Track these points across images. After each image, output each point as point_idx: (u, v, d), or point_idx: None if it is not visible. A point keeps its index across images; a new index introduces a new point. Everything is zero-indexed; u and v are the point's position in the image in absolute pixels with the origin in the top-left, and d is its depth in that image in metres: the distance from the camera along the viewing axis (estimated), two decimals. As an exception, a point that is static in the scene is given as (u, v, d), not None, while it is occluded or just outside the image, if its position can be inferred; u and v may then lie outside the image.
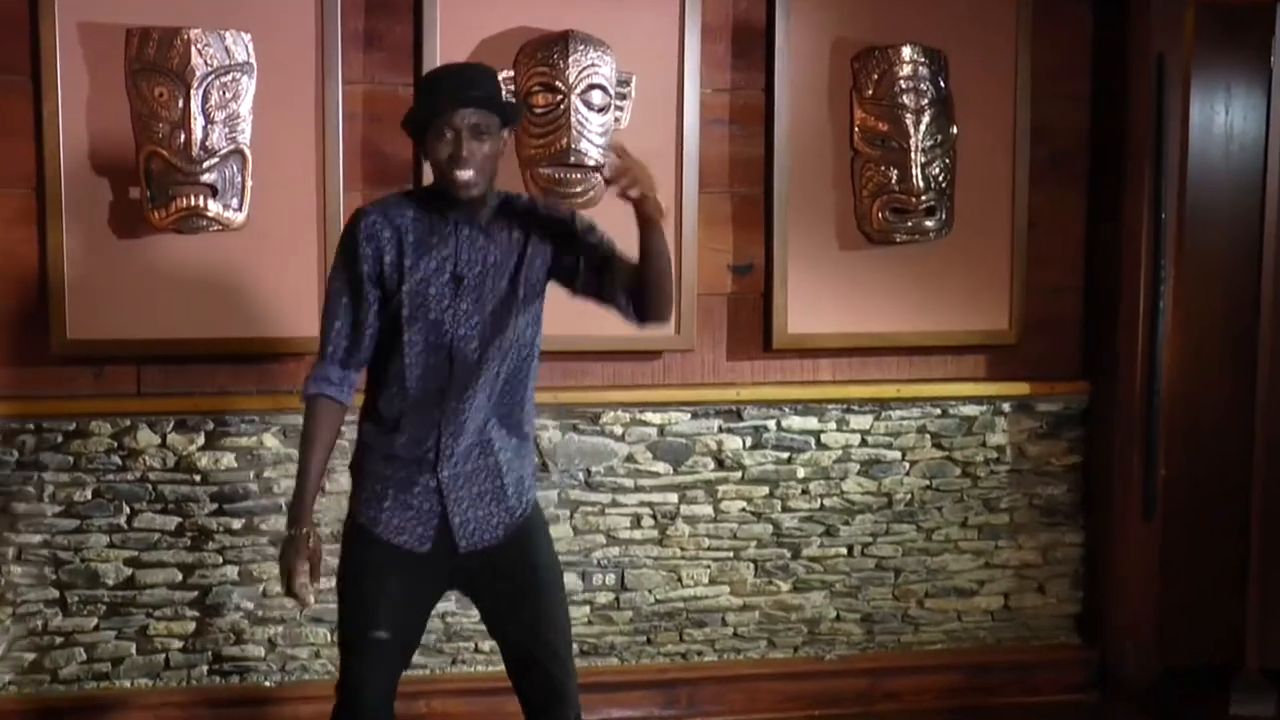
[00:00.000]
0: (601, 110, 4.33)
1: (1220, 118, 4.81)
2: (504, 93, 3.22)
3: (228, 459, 4.27)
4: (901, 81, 4.50)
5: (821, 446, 4.64)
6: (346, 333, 3.16)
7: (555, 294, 4.31)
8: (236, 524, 4.29)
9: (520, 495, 3.25)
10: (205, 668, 4.33)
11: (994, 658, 4.78)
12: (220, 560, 4.29)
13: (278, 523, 4.25)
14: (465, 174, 3.08)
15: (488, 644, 4.36)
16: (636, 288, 3.19)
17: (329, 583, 4.24)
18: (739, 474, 4.60)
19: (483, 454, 3.20)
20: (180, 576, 4.29)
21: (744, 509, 4.61)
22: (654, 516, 4.56)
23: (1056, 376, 4.80)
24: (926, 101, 4.52)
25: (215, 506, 4.28)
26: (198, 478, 4.26)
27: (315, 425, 3.18)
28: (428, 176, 4.12)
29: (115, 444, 4.22)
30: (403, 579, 3.18)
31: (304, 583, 3.15)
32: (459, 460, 3.17)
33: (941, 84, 4.55)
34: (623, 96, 4.38)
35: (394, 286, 3.13)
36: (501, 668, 3.31)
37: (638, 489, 4.54)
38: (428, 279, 3.14)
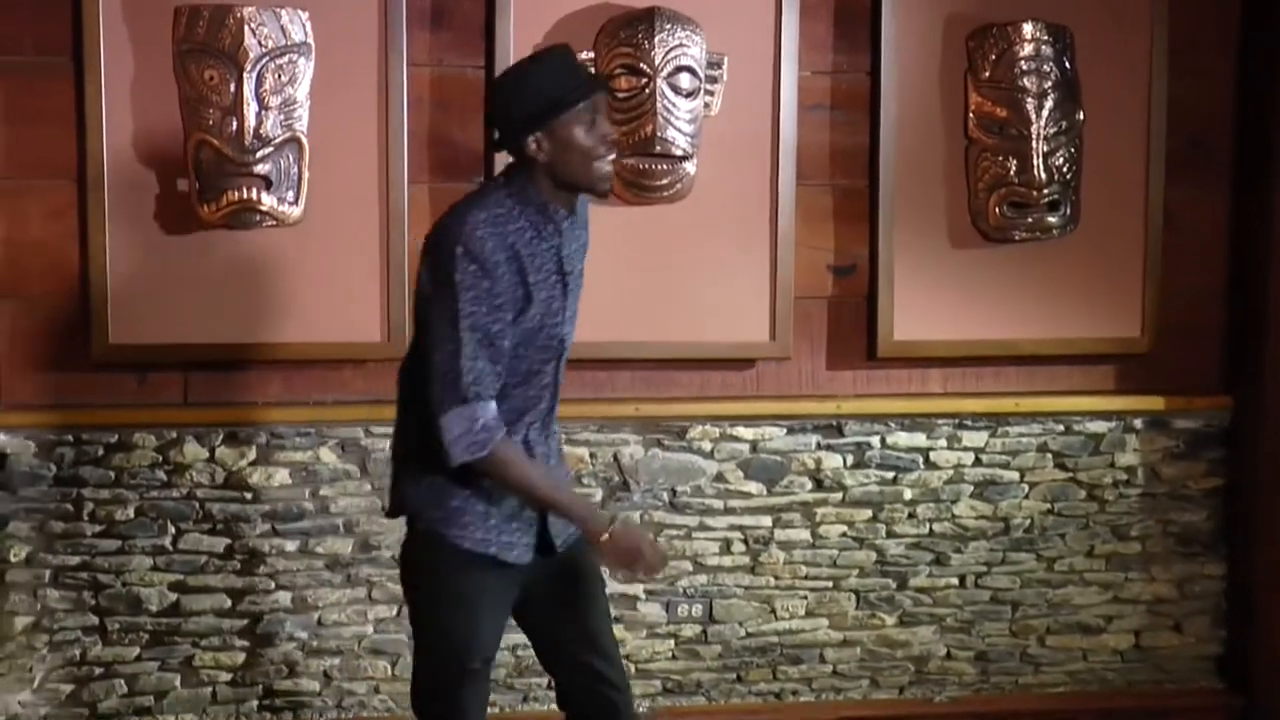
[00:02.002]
0: (690, 95, 4.30)
1: (1385, 97, 4.71)
2: None
3: (281, 475, 4.27)
4: (1022, 62, 4.44)
5: (931, 466, 4.59)
6: (493, 358, 3.07)
7: (636, 295, 4.28)
8: (290, 546, 4.28)
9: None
10: (255, 702, 4.32)
11: (1124, 703, 4.72)
12: (272, 585, 4.29)
13: (334, 544, 4.29)
14: (612, 158, 3.16)
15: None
16: None
17: (388, 611, 4.24)
18: (839, 495, 4.55)
19: (557, 450, 3.36)
20: (229, 603, 4.28)
21: (845, 534, 4.56)
22: (745, 541, 4.51)
23: (1195, 390, 4.73)
24: (1050, 84, 4.45)
25: (267, 527, 4.28)
26: (249, 495, 4.26)
27: (524, 460, 3.15)
28: (499, 165, 4.11)
29: (160, 458, 4.22)
30: (502, 600, 3.25)
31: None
32: (549, 458, 3.28)
33: (1066, 64, 4.48)
34: (713, 80, 4.34)
35: (519, 308, 3.11)
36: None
37: (728, 511, 4.49)
38: (542, 285, 3.15)
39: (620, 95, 4.23)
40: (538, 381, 3.20)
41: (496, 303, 3.05)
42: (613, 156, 3.16)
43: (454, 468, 3.11)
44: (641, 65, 4.21)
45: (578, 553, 3.32)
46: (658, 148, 4.23)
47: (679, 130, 4.26)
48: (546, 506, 3.17)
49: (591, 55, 4.25)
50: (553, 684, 3.47)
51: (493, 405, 3.07)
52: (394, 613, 4.30)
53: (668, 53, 4.23)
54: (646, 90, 4.22)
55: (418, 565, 3.26)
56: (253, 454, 4.24)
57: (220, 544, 4.24)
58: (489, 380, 3.06)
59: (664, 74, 4.24)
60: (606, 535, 3.13)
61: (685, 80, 4.26)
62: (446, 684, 3.24)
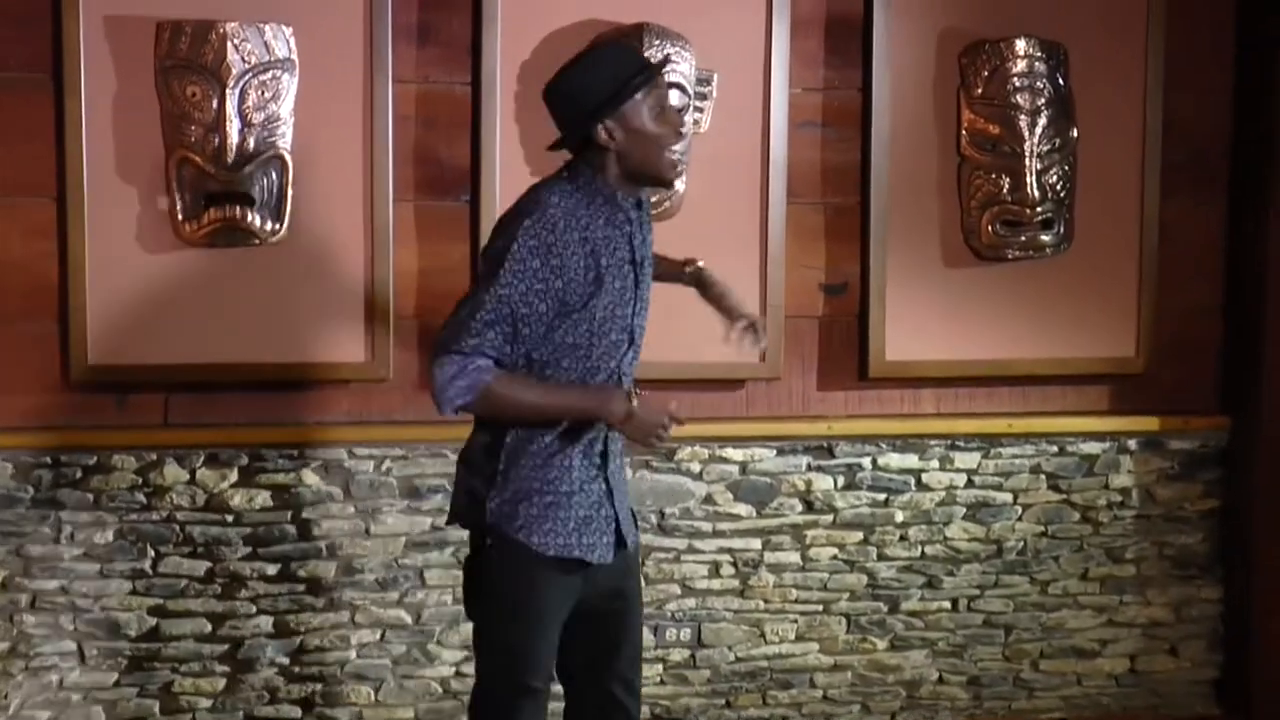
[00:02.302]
0: (679, 111, 4.23)
1: (1383, 113, 4.72)
2: None
3: (263, 497, 4.25)
4: (1015, 78, 4.45)
5: (923, 487, 4.58)
6: (507, 336, 3.08)
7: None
8: (272, 569, 4.26)
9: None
10: (236, 729, 4.31)
11: (1119, 728, 4.70)
12: (254, 610, 4.27)
13: (316, 568, 4.27)
14: (682, 147, 3.22)
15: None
16: None
17: (371, 635, 4.20)
18: (830, 517, 4.53)
19: (621, 450, 3.33)
20: (209, 627, 4.26)
21: (835, 557, 4.55)
22: (735, 565, 4.49)
23: (1191, 410, 4.73)
24: (1043, 101, 4.46)
25: (249, 550, 4.25)
26: (230, 518, 4.23)
27: (517, 382, 3.10)
28: (486, 182, 4.21)
29: (140, 480, 4.19)
30: (564, 613, 3.24)
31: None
32: (615, 455, 3.27)
33: (1060, 81, 4.49)
34: (703, 96, 4.34)
35: (589, 291, 3.11)
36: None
37: (717, 534, 4.47)
38: (615, 273, 3.16)
39: (608, 111, 4.25)
40: (608, 372, 3.20)
41: (537, 287, 3.05)
42: (681, 146, 3.18)
43: (537, 467, 3.14)
44: (630, 81, 4.22)
45: (629, 569, 3.33)
46: (646, 165, 4.24)
47: (668, 147, 4.26)
48: (561, 414, 3.14)
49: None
50: (564, 696, 3.43)
51: (490, 363, 3.06)
52: (377, 637, 4.29)
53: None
54: (635, 107, 4.23)
55: (492, 577, 3.21)
56: (234, 476, 4.21)
57: (201, 567, 4.21)
58: (492, 350, 3.06)
59: (653, 90, 4.24)
60: (630, 418, 3.11)
61: (674, 97, 4.20)
62: (505, 703, 3.22)
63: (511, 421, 3.14)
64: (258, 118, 4.08)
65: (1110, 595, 4.69)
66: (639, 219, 3.24)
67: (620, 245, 3.17)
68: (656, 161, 3.16)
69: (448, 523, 3.37)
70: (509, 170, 4.20)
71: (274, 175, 4.12)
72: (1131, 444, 4.66)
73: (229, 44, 4.05)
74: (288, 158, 4.12)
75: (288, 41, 4.12)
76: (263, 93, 4.09)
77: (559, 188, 3.15)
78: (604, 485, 3.23)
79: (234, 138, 4.05)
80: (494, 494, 3.18)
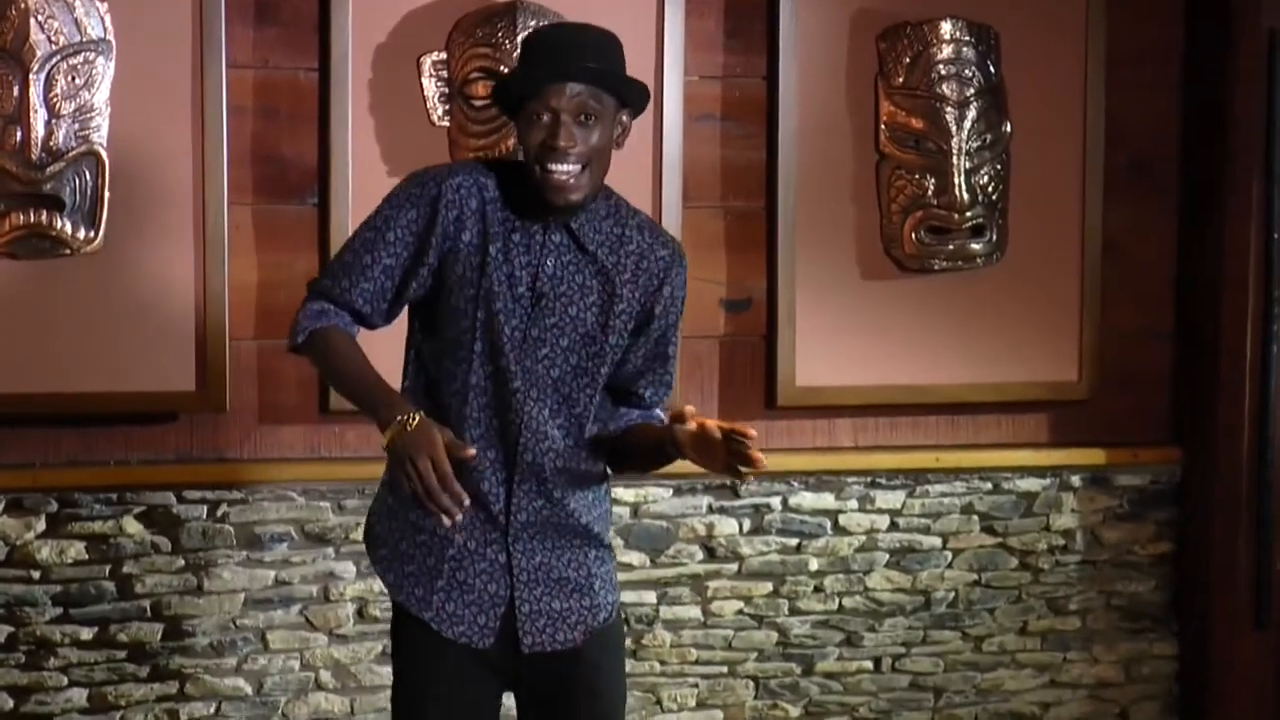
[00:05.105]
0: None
1: (1349, 111, 4.81)
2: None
3: (76, 550, 4.12)
4: (940, 66, 4.46)
5: (840, 531, 4.57)
6: (380, 282, 3.00)
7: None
8: (86, 633, 4.13)
9: (607, 592, 3.17)
10: (45, 821, 4.18)
11: (1064, 802, 4.74)
12: (65, 681, 4.13)
13: (139, 631, 4.13)
14: (560, 169, 2.96)
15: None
16: (617, 442, 3.16)
17: (204, 709, 3.96)
18: (735, 566, 4.51)
19: (566, 532, 3.10)
20: (11, 703, 4.11)
21: (741, 611, 4.53)
22: (626, 621, 4.38)
23: (1140, 441, 4.78)
24: (972, 91, 4.48)
25: (59, 611, 4.12)
26: (36, 574, 4.10)
27: (343, 344, 2.99)
28: (336, 182, 4.13)
29: (-72, 531, 4.08)
30: (462, 681, 3.07)
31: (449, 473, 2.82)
32: (537, 531, 3.07)
33: (991, 69, 4.52)
34: None
35: (471, 275, 2.99)
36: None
37: (606, 586, 4.34)
38: (500, 287, 3.01)
39: (477, 104, 4.17)
40: (492, 415, 3.00)
41: (407, 239, 2.96)
42: (564, 166, 2.95)
43: (408, 503, 2.95)
44: (502, 68, 4.12)
45: (595, 669, 3.13)
46: (521, 163, 4.15)
47: (545, 144, 4.18)
48: (351, 393, 2.99)
49: (443, 56, 4.19)
50: None
51: (334, 309, 3.00)
52: (211, 710, 4.14)
53: (532, 54, 4.15)
54: (508, 97, 4.14)
55: (392, 619, 3.14)
56: (41, 525, 4.08)
57: (1, 633, 4.07)
58: (346, 294, 2.99)
59: (528, 78, 4.15)
60: (389, 435, 2.86)
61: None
62: None
63: (327, 379, 3.09)
64: (67, 108, 3.99)
65: (1052, 652, 4.72)
66: (562, 246, 3.01)
67: (522, 261, 2.99)
68: (534, 181, 2.95)
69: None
70: (362, 168, 4.13)
71: (87, 175, 4.03)
72: (1074, 480, 4.70)
73: (32, 21, 3.95)
74: (103, 154, 4.03)
75: (102, 19, 4.02)
76: (73, 79, 4.00)
77: (490, 164, 3.06)
78: (503, 556, 3.02)
79: (40, 131, 3.96)
80: (374, 507, 3.11)
